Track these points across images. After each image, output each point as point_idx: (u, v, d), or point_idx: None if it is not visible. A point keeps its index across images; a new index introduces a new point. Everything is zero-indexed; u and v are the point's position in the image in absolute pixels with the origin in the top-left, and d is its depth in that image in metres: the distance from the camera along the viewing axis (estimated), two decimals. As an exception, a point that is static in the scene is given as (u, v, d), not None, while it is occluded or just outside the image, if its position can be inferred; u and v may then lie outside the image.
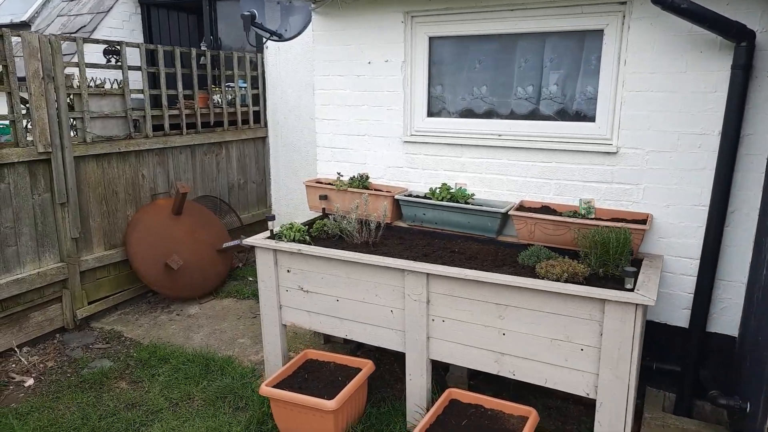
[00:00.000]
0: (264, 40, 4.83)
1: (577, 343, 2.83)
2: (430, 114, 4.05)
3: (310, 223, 3.99)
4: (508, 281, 2.89)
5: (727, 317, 3.33)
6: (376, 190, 4.14)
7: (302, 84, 6.20)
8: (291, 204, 6.63)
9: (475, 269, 3.10)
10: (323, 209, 4.20)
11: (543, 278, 2.93)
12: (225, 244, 5.47)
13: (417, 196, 3.99)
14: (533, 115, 3.72)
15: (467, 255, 3.42)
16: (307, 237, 3.62)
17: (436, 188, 3.86)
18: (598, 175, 3.50)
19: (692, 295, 3.32)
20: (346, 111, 4.29)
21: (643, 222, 3.33)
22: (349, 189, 4.06)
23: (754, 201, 3.13)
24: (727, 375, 3.31)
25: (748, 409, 2.67)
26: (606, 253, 3.01)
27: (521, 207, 3.63)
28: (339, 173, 4.23)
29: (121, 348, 4.46)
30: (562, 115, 3.63)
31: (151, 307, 5.19)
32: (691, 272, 3.33)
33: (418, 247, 3.57)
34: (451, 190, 3.78)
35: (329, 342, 4.42)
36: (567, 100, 3.60)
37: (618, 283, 2.89)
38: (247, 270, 6.05)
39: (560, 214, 3.49)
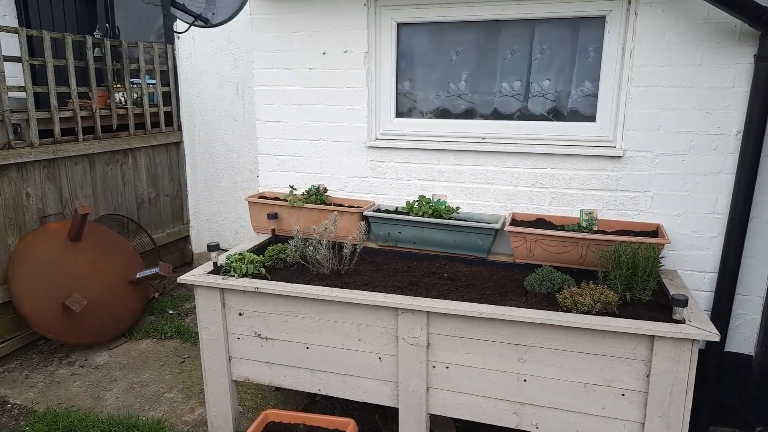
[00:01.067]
0: (184, 27, 3.98)
1: (616, 388, 2.36)
2: (399, 114, 3.45)
3: (259, 249, 3.24)
4: (536, 318, 2.36)
5: (743, 334, 3.03)
6: (336, 204, 3.47)
7: (223, 79, 5.37)
8: (213, 219, 5.76)
9: (479, 301, 2.56)
10: (273, 230, 3.46)
11: (570, 310, 2.44)
12: (139, 274, 4.51)
13: (387, 211, 3.37)
14: (522, 114, 3.23)
15: (462, 282, 2.86)
16: (263, 269, 2.88)
17: (413, 201, 3.27)
18: (601, 182, 3.08)
19: (708, 313, 2.99)
20: (295, 111, 3.58)
21: (654, 234, 2.96)
22: (306, 205, 3.36)
23: (774, 207, 2.85)
24: (744, 398, 3.02)
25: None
26: (633, 275, 2.58)
27: (514, 221, 3.14)
28: (292, 186, 3.51)
29: (8, 420, 3.43)
30: (556, 114, 3.18)
31: (45, 359, 4.14)
32: (705, 287, 3.00)
33: (399, 273, 2.96)
34: (431, 204, 3.21)
35: (280, 389, 3.68)
36: (561, 97, 3.15)
37: (652, 311, 2.46)
38: (165, 301, 5.10)
39: (562, 228, 3.03)
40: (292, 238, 3.19)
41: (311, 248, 2.90)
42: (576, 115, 3.13)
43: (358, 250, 2.93)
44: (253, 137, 5.32)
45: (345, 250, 2.90)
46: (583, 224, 3.03)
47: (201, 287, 2.83)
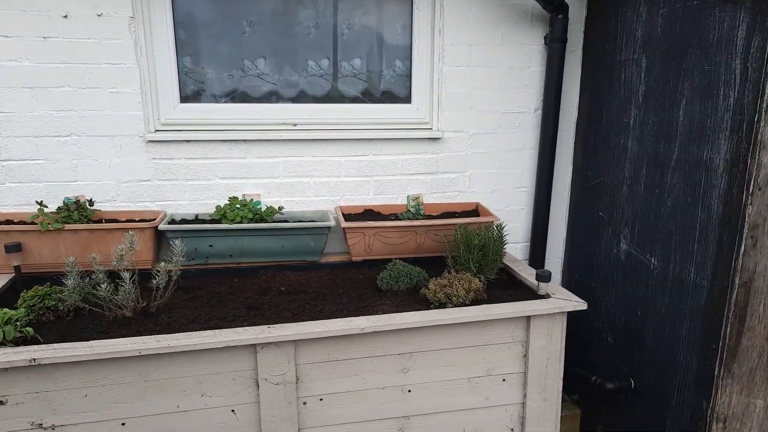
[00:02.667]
0: None
1: (498, 375, 2.29)
2: (184, 98, 2.74)
3: (1, 299, 2.21)
4: (423, 321, 2.10)
5: (545, 295, 3.33)
6: (110, 220, 2.61)
7: None
8: None
9: (342, 313, 2.20)
10: (17, 268, 2.40)
11: (445, 305, 2.25)
12: None
13: (186, 221, 2.68)
14: (334, 97, 2.90)
15: (310, 294, 2.42)
16: (29, 328, 1.94)
17: (225, 205, 2.64)
18: (423, 166, 2.98)
19: (520, 281, 3.19)
20: (26, 97, 2.53)
21: (474, 212, 3.00)
22: (67, 226, 2.42)
23: (565, 177, 3.16)
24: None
25: (633, 386, 2.64)
26: (484, 257, 2.54)
27: (344, 215, 2.81)
28: (40, 202, 2.48)
29: None
30: (371, 96, 2.94)
31: None
32: (519, 256, 3.19)
33: (226, 298, 2.36)
34: (248, 206, 2.64)
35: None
36: (373, 77, 2.92)
37: (507, 289, 2.48)
38: None
39: (396, 217, 2.84)
40: (54, 274, 2.29)
41: (104, 285, 2.07)
42: (392, 97, 2.95)
43: (174, 277, 2.21)
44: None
45: (156, 280, 2.15)
46: (411, 210, 2.89)
47: None
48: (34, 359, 1.79)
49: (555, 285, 2.42)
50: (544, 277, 2.31)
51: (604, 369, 2.82)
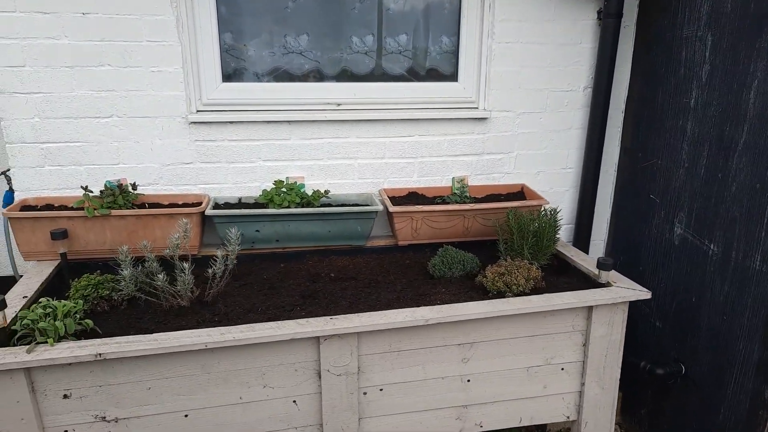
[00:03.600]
0: None
1: (557, 364, 2.26)
2: (226, 77, 2.65)
3: (51, 287, 2.17)
4: (489, 312, 2.05)
5: (586, 276, 3.29)
6: (153, 204, 2.55)
7: None
8: None
9: (398, 301, 2.17)
10: (63, 255, 2.35)
11: (503, 293, 2.21)
12: None
13: (230, 205, 2.62)
14: (379, 75, 2.80)
15: (362, 281, 2.38)
16: (89, 321, 1.90)
17: (272, 189, 2.57)
18: (469, 147, 2.89)
19: (563, 263, 3.14)
20: (66, 76, 2.44)
21: (520, 194, 2.94)
22: (114, 212, 2.36)
23: (612, 158, 3.07)
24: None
25: (683, 372, 2.62)
26: (537, 243, 2.48)
27: (391, 198, 2.74)
28: (86, 187, 2.41)
29: None
30: (415, 74, 2.83)
31: None
32: (563, 239, 3.12)
33: (278, 285, 2.32)
34: (295, 190, 2.57)
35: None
36: (418, 54, 2.82)
37: (560, 275, 2.43)
38: None
39: (442, 200, 2.77)
40: (99, 261, 2.29)
41: (161, 275, 2.02)
42: (437, 75, 2.84)
43: (230, 266, 2.16)
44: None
45: (213, 269, 2.10)
46: (456, 192, 2.83)
47: (-16, 374, 1.72)
48: (100, 354, 1.75)
49: (615, 273, 2.37)
50: (607, 265, 2.25)
51: (651, 354, 2.79)
